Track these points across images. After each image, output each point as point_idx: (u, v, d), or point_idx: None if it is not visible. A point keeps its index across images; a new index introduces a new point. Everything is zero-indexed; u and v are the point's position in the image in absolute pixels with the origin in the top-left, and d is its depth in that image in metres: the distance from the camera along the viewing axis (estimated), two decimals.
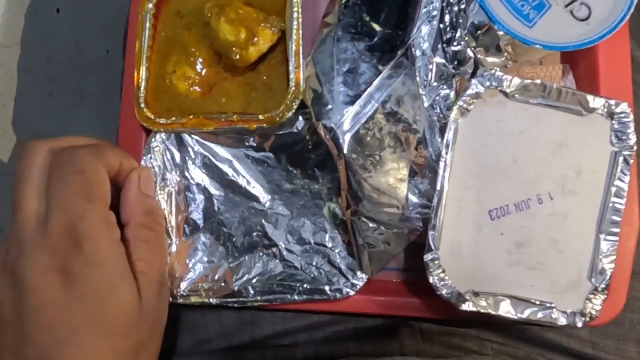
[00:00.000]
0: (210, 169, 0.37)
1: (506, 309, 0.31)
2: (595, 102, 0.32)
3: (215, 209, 0.37)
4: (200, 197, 0.37)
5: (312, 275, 0.35)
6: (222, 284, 0.35)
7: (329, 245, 0.35)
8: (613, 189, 0.32)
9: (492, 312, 0.31)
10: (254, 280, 0.35)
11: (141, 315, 0.27)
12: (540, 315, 0.32)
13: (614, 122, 0.32)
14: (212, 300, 0.35)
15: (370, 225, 0.33)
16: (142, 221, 0.30)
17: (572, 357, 0.35)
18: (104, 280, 0.26)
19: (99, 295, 0.25)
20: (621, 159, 0.32)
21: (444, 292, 0.31)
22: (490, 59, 0.35)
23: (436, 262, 0.31)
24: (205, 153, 0.37)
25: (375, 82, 0.33)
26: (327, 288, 0.34)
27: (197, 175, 0.37)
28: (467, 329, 0.36)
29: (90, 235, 0.26)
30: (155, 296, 0.28)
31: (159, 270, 0.30)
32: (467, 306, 0.31)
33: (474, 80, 0.32)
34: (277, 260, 0.35)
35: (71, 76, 0.58)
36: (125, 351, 0.26)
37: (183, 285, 0.35)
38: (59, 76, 0.57)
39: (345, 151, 0.32)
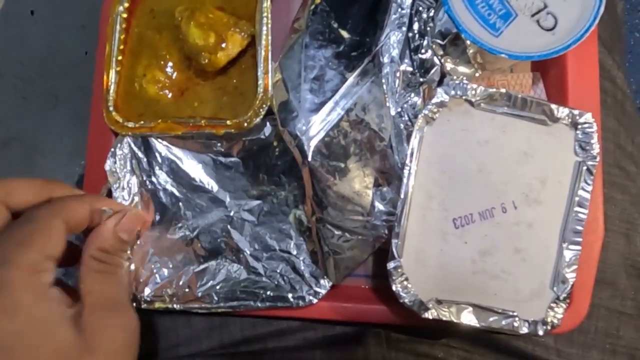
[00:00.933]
0: (177, 174, 0.37)
1: (468, 318, 0.32)
2: (560, 111, 0.32)
3: (182, 214, 0.36)
4: (167, 202, 0.37)
5: (275, 283, 0.34)
6: (187, 290, 0.35)
7: (294, 252, 0.35)
8: (576, 199, 0.32)
9: (455, 320, 0.31)
10: (217, 287, 0.35)
11: (85, 350, 0.26)
12: (502, 323, 0.32)
13: (578, 132, 0.33)
14: (176, 306, 0.35)
15: (335, 232, 0.33)
16: (94, 253, 0.29)
17: None
18: (26, 327, 0.25)
19: (23, 343, 0.25)
20: (584, 168, 0.32)
21: (406, 300, 0.31)
22: (460, 68, 0.35)
23: (399, 270, 0.31)
24: (173, 158, 0.37)
25: (342, 90, 0.33)
26: (290, 296, 0.34)
27: (164, 180, 0.37)
28: (435, 336, 0.36)
29: (6, 282, 0.25)
30: (104, 327, 0.27)
31: (109, 300, 0.29)
32: (429, 314, 0.31)
33: (439, 89, 0.32)
34: (241, 267, 0.35)
35: (46, 78, 0.58)
36: None
37: (147, 290, 0.35)
38: (32, 79, 0.56)
39: (309, 158, 0.32)
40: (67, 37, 0.60)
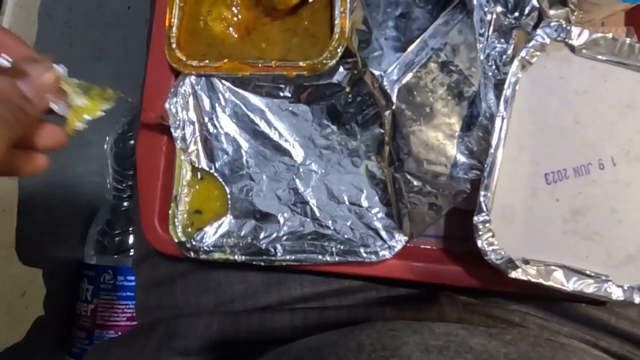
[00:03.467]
0: (241, 118, 0.35)
1: (558, 279, 0.29)
2: None
3: (244, 161, 0.34)
4: (228, 148, 0.35)
5: (346, 236, 0.32)
6: (249, 241, 0.33)
7: (365, 205, 0.33)
8: None
9: (544, 282, 0.29)
10: (283, 239, 0.33)
11: None
12: (593, 288, 0.29)
13: None
14: (237, 258, 0.33)
15: (415, 183, 0.30)
16: None
17: (619, 337, 0.33)
18: None
19: None
20: None
21: (492, 257, 0.29)
22: (552, 12, 0.32)
23: (487, 225, 0.29)
24: (237, 101, 0.35)
25: (430, 29, 0.30)
26: (362, 250, 0.32)
27: (227, 124, 0.35)
28: (508, 302, 0.34)
29: None
30: None
31: None
32: (516, 274, 0.29)
33: (539, 31, 0.29)
34: (308, 219, 0.33)
35: (92, 29, 0.56)
36: None
37: (207, 240, 0.33)
38: (79, 27, 0.54)
39: (394, 99, 0.29)
40: None
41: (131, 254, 0.60)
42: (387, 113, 0.30)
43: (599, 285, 0.29)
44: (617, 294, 0.29)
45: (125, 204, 0.65)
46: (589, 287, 0.29)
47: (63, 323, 0.61)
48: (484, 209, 0.29)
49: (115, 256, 0.61)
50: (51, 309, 0.57)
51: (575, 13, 0.32)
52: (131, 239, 0.62)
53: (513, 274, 0.29)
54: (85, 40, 0.57)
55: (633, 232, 0.30)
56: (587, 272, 0.29)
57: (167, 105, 0.34)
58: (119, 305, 0.59)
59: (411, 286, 0.35)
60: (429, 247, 0.35)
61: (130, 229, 0.62)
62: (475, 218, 0.29)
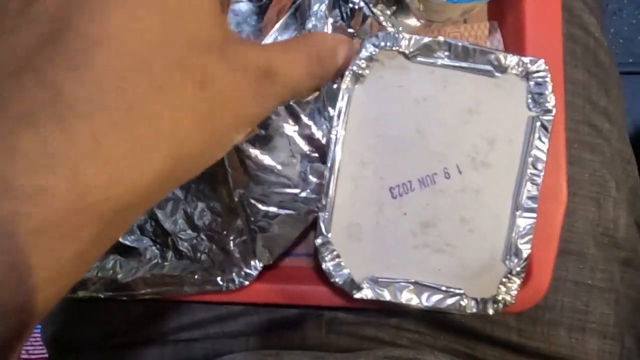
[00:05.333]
0: None
1: (408, 297, 0.28)
2: (508, 60, 0.28)
3: None
4: None
5: (204, 265, 0.32)
6: (111, 275, 0.32)
7: (223, 231, 0.32)
8: (530, 160, 0.28)
9: (392, 300, 0.28)
10: (144, 271, 0.32)
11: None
12: (447, 302, 0.28)
13: (530, 82, 0.29)
14: (101, 294, 0.32)
15: (261, 207, 0.30)
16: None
17: (496, 346, 0.32)
18: None
19: None
20: (538, 124, 0.28)
21: (337, 280, 0.28)
22: (401, 19, 0.31)
23: (328, 246, 0.28)
24: None
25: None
26: (219, 279, 0.31)
27: None
28: (386, 318, 0.33)
29: None
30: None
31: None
32: (362, 294, 0.28)
33: (366, 42, 0.28)
34: (168, 250, 0.32)
35: None
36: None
37: None
38: None
39: None
40: None
41: None
42: None
43: (453, 300, 0.28)
44: (471, 307, 0.28)
45: None
46: (442, 302, 0.28)
47: None
48: (324, 230, 0.28)
49: None
50: None
51: (422, 16, 0.32)
52: None
53: (358, 295, 0.28)
54: None
55: (485, 240, 0.29)
56: (439, 287, 0.28)
57: None
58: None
59: (286, 306, 0.34)
60: (302, 266, 0.34)
61: None
62: (316, 240, 0.28)
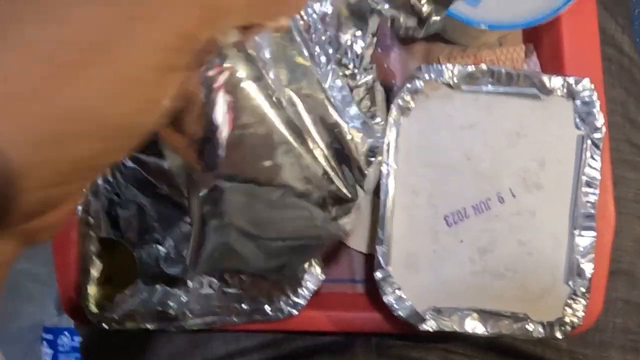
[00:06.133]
0: (141, 182, 0.34)
1: (473, 325, 0.28)
2: (553, 82, 0.29)
3: (149, 226, 0.34)
4: (132, 214, 0.34)
5: (252, 295, 0.32)
6: (159, 308, 0.33)
7: None
8: (584, 178, 0.28)
9: (458, 330, 0.28)
10: (192, 303, 0.33)
11: None
12: (514, 327, 0.28)
13: (576, 102, 0.29)
14: (149, 326, 0.33)
15: (273, 244, 0.29)
16: None
17: None
18: None
19: None
20: (589, 142, 0.28)
21: (401, 313, 0.28)
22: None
23: (389, 279, 0.28)
24: (136, 167, 0.34)
25: None
26: (268, 308, 0.31)
27: (128, 190, 0.35)
28: (434, 341, 0.33)
29: None
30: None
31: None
32: (428, 326, 0.28)
33: (411, 76, 0.29)
34: (214, 279, 0.33)
35: None
36: None
37: (118, 310, 0.33)
38: None
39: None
40: None
41: None
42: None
43: (518, 325, 0.28)
44: (538, 331, 0.28)
45: None
46: (508, 328, 0.28)
47: None
48: (383, 264, 0.28)
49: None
50: None
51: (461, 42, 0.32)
52: None
53: (424, 327, 0.28)
54: None
55: (545, 262, 0.29)
56: (503, 312, 0.28)
57: None
58: None
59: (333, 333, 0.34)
60: (347, 292, 0.34)
61: None
62: (376, 274, 0.28)
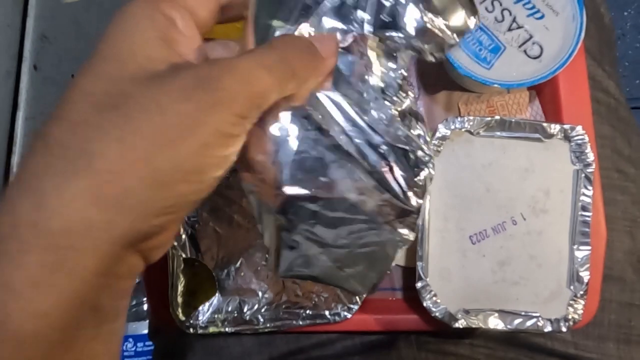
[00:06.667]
0: (215, 211, 0.42)
1: (495, 322, 0.35)
2: (552, 128, 0.36)
3: (224, 247, 0.42)
4: (211, 237, 0.42)
5: (313, 302, 0.39)
6: (235, 315, 0.40)
7: None
8: (580, 204, 0.36)
9: (483, 326, 0.35)
10: (262, 310, 0.40)
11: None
12: (527, 324, 0.35)
13: (572, 144, 0.36)
14: (228, 329, 0.40)
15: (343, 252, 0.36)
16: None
17: (556, 357, 0.39)
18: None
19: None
20: (583, 176, 0.36)
21: (437, 314, 0.35)
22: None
23: (427, 288, 0.36)
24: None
25: None
26: (327, 313, 0.39)
27: (205, 217, 0.42)
28: (460, 337, 0.40)
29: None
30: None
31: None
32: (459, 324, 0.35)
33: (440, 126, 0.36)
34: (281, 290, 0.40)
35: None
36: None
37: (201, 317, 0.40)
38: None
39: None
40: None
41: (146, 320, 0.68)
42: None
43: (531, 322, 0.35)
44: (547, 326, 0.35)
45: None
46: (523, 324, 0.35)
47: None
48: (422, 276, 0.35)
49: (134, 324, 0.68)
50: None
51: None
52: (145, 307, 0.69)
53: (456, 325, 0.35)
54: None
55: (552, 272, 0.36)
56: (519, 312, 0.36)
57: None
58: None
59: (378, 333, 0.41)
60: (388, 298, 0.42)
61: (144, 299, 0.69)
62: (417, 284, 0.36)
